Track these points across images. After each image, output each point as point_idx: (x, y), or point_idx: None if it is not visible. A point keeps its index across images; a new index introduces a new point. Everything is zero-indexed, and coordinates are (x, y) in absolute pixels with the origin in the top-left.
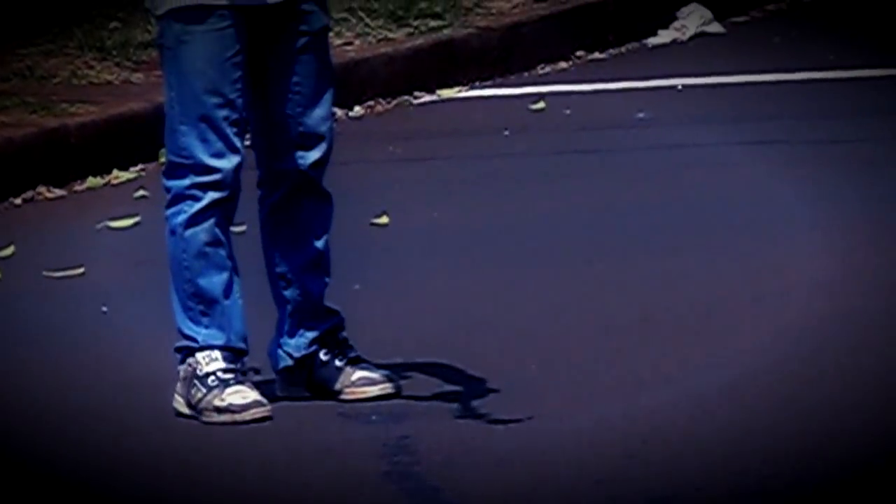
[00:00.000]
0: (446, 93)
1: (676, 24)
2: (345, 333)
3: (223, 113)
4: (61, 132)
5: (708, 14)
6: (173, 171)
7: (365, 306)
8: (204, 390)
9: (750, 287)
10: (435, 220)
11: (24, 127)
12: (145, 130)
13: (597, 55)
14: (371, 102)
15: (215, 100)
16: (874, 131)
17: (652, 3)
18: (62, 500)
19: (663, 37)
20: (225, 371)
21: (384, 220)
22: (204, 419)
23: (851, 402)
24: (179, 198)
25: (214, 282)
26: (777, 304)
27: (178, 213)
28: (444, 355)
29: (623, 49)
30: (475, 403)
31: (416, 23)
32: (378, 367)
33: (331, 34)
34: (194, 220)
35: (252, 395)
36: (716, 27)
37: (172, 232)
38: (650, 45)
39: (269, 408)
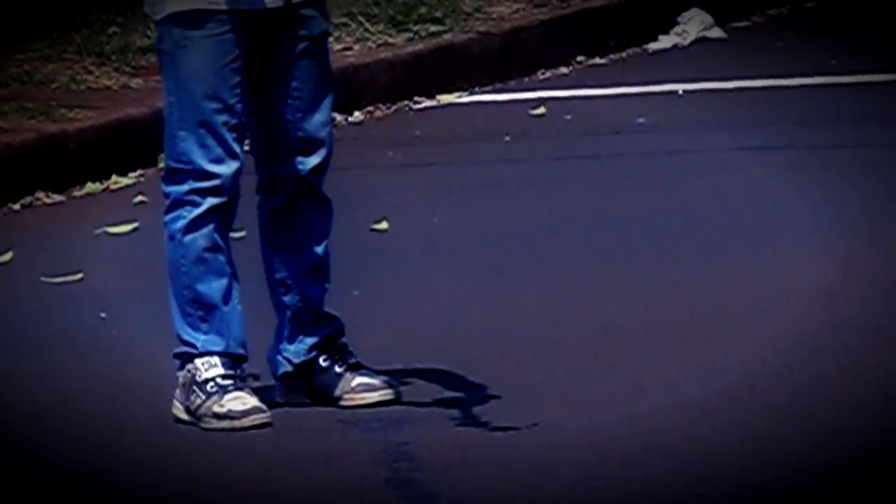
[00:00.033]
0: (446, 98)
1: (677, 29)
2: (344, 339)
3: (222, 118)
4: (60, 137)
5: (709, 19)
6: (172, 176)
7: (364, 312)
8: (203, 396)
9: (750, 292)
10: (435, 225)
11: (22, 132)
12: (144, 136)
13: (597, 60)
14: (371, 108)
15: (214, 105)
16: (876, 136)
17: (653, 8)
18: None
19: (664, 42)
20: (224, 377)
21: (384, 225)
22: (203, 425)
23: (852, 406)
24: (178, 203)
25: (213, 287)
26: (777, 309)
27: (178, 218)
28: (444, 361)
29: (624, 54)
30: (475, 410)
31: (416, 28)
32: (378, 373)
33: (330, 39)
34: (193, 225)
35: (251, 401)
36: (717, 32)
37: (171, 237)
38: (651, 51)
39: (268, 414)
